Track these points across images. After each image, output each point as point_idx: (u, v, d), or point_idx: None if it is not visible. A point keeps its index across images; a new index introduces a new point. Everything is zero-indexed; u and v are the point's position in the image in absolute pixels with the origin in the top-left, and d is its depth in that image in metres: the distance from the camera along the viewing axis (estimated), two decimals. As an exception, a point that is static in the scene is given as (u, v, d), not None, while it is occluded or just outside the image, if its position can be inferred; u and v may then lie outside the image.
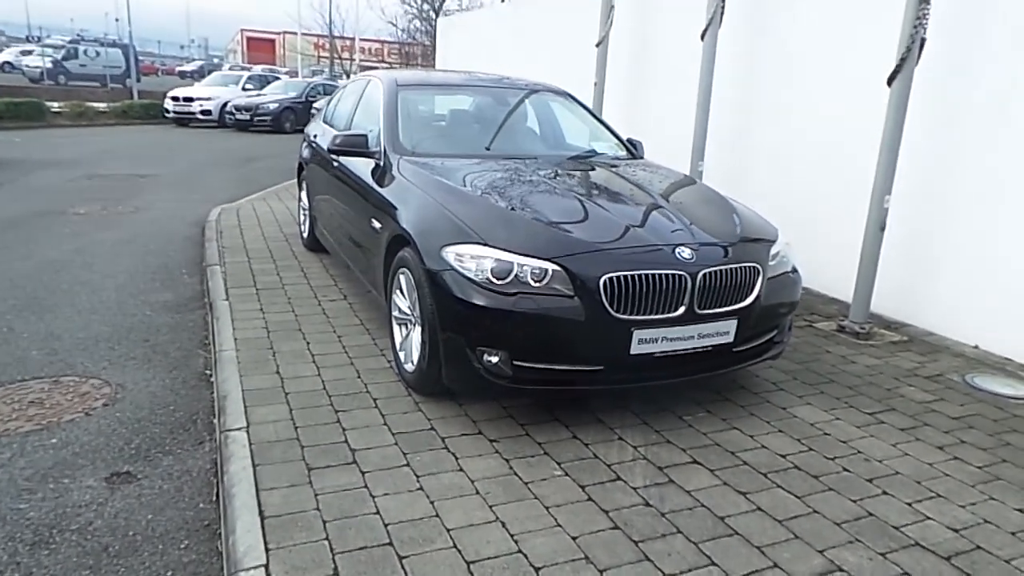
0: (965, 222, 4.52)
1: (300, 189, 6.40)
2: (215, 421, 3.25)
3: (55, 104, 19.66)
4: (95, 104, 21.04)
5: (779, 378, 3.84)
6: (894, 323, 4.88)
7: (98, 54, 32.39)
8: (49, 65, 31.49)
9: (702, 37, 5.98)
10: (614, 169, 4.16)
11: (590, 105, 6.04)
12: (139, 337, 4.31)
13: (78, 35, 39.67)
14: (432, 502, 2.54)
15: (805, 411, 3.46)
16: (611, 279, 2.88)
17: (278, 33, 60.99)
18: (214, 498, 2.72)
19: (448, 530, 2.39)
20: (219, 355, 3.82)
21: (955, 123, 4.54)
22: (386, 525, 2.40)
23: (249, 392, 3.35)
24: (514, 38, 10.84)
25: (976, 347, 4.50)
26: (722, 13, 5.88)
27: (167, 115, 20.22)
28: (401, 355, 3.53)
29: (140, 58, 38.99)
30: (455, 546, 2.31)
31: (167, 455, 3.02)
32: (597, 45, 7.61)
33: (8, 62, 38.42)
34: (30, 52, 37.18)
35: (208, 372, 3.84)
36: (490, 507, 2.52)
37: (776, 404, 3.53)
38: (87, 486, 2.77)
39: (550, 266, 2.91)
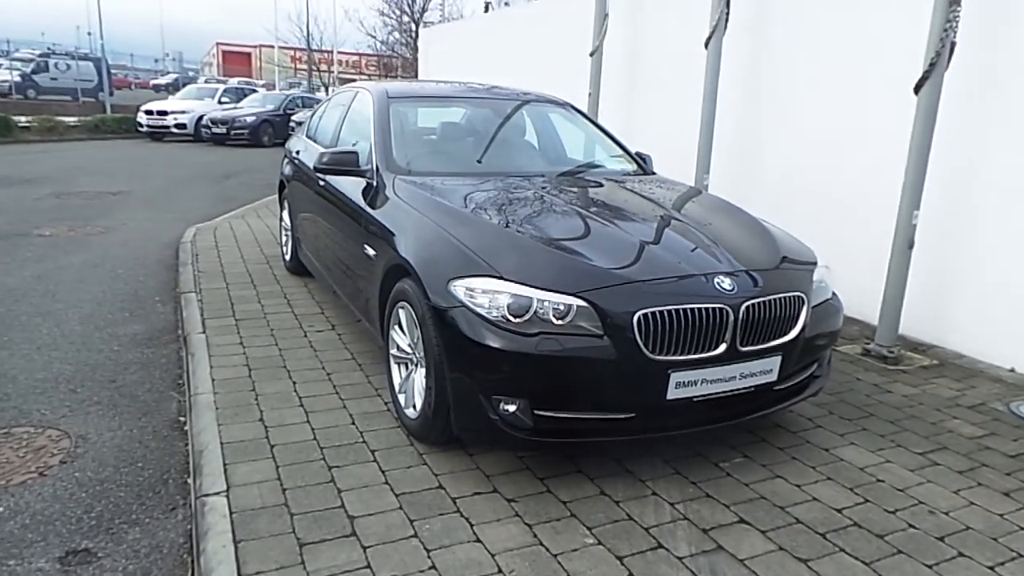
0: (994, 236, 4.24)
1: (282, 208, 6.00)
2: (190, 482, 2.84)
3: (23, 119, 18.98)
4: (66, 118, 20.37)
5: (815, 413, 3.52)
6: (921, 345, 4.59)
7: (69, 67, 31.53)
8: (18, 79, 30.62)
9: (706, 45, 5.68)
10: (629, 187, 3.82)
11: (588, 116, 5.71)
12: (105, 377, 3.88)
13: (48, 48, 38.73)
14: (448, 586, 2.16)
15: (851, 453, 3.13)
16: (646, 315, 2.53)
17: (254, 46, 60.31)
18: (189, 583, 2.32)
19: (470, 624, 2.01)
20: (194, 399, 3.40)
21: (982, 131, 4.27)
22: (396, 619, 2.01)
23: (229, 446, 2.94)
24: (501, 48, 10.52)
25: (1012, 370, 4.21)
26: (727, 20, 5.60)
27: (141, 129, 19.63)
28: (401, 398, 3.14)
29: (113, 71, 38.12)
30: (480, 646, 1.93)
31: (133, 526, 2.60)
32: (591, 55, 7.30)
33: (-25, 76, 37.43)
34: (-1, 66, 36.26)
35: (182, 419, 3.43)
36: (517, 590, 2.15)
37: (818, 445, 3.19)
38: (36, 569, 2.35)
39: (575, 301, 2.55)
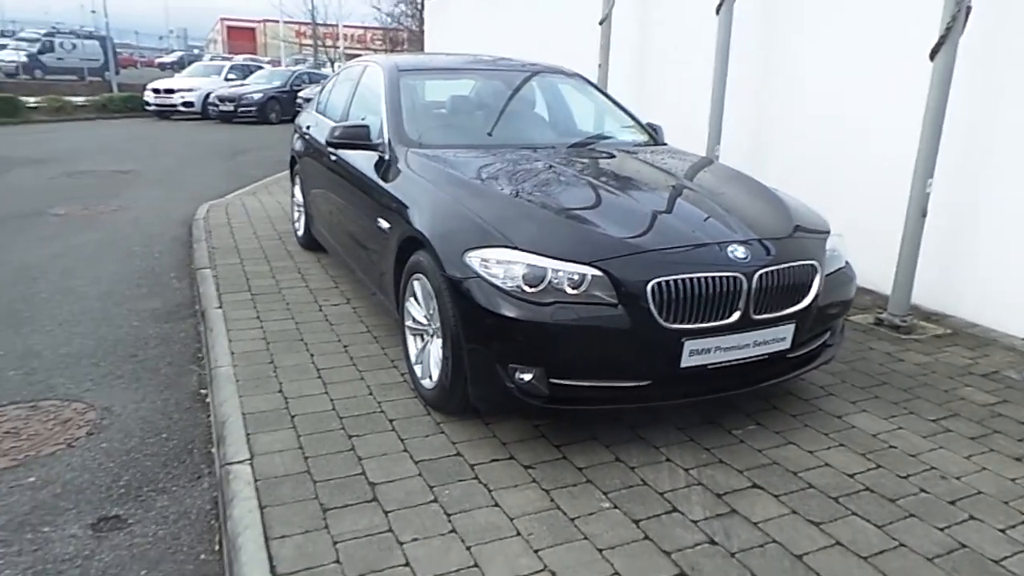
0: (1009, 204, 4.22)
1: (293, 184, 6.02)
2: (214, 451, 2.91)
3: (32, 99, 19.03)
4: (73, 98, 20.39)
5: (827, 381, 3.54)
6: (934, 314, 4.59)
7: (75, 47, 31.51)
8: (24, 59, 30.61)
9: (717, 11, 5.62)
10: (641, 157, 3.82)
11: (600, 88, 5.67)
12: (126, 352, 3.95)
13: (53, 28, 38.56)
14: (468, 548, 2.22)
15: (863, 420, 3.16)
16: (659, 284, 2.55)
17: (259, 21, 59.91)
18: (216, 547, 2.38)
19: (491, 584, 2.07)
20: (214, 372, 3.47)
21: (999, 98, 4.22)
22: (419, 580, 2.07)
23: (250, 416, 3.00)
24: (509, 19, 10.43)
25: (1025, 339, 4.21)
26: (739, -14, 5.53)
27: (148, 108, 19.65)
28: (417, 369, 3.19)
29: (118, 50, 38.02)
30: (501, 605, 1.99)
31: (161, 494, 2.67)
32: (600, 23, 7.24)
33: (-18, 57, 37.40)
34: (4, 46, 36.15)
35: (203, 391, 3.49)
36: (535, 552, 2.20)
37: (830, 412, 3.22)
38: (70, 535, 2.43)
39: (589, 271, 2.58)
